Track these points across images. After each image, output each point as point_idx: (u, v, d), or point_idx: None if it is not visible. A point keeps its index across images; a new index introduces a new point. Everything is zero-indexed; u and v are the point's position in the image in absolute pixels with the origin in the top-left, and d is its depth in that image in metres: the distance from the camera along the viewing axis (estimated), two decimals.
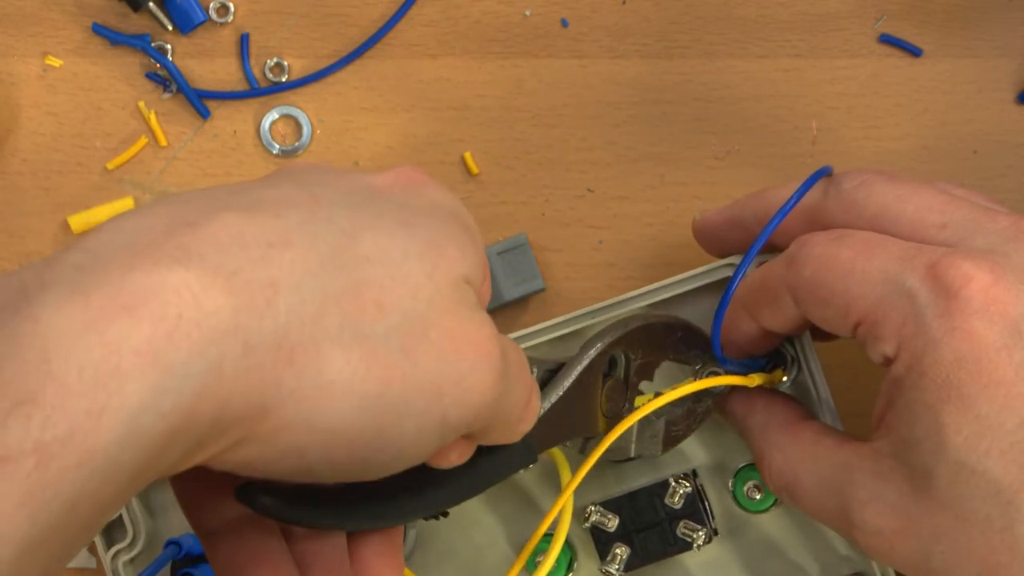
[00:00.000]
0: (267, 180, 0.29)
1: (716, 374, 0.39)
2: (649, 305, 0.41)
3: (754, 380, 0.39)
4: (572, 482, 0.37)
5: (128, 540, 0.42)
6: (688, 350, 0.40)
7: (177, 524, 0.43)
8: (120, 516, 0.42)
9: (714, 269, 0.40)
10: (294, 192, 0.28)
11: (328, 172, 0.30)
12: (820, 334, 0.38)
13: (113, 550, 0.42)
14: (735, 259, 0.40)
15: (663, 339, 0.39)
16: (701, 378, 0.39)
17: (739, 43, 0.49)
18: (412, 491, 0.32)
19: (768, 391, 0.40)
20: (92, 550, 0.46)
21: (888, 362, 0.33)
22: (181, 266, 0.24)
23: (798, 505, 0.37)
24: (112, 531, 0.43)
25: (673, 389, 0.38)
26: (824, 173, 0.38)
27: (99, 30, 0.48)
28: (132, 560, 0.42)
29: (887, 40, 0.49)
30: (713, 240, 0.41)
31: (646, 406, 0.38)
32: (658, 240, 0.48)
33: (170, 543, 0.42)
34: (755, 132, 0.49)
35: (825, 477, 0.35)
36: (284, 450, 0.26)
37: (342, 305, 0.26)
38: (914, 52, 0.49)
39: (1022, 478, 0.30)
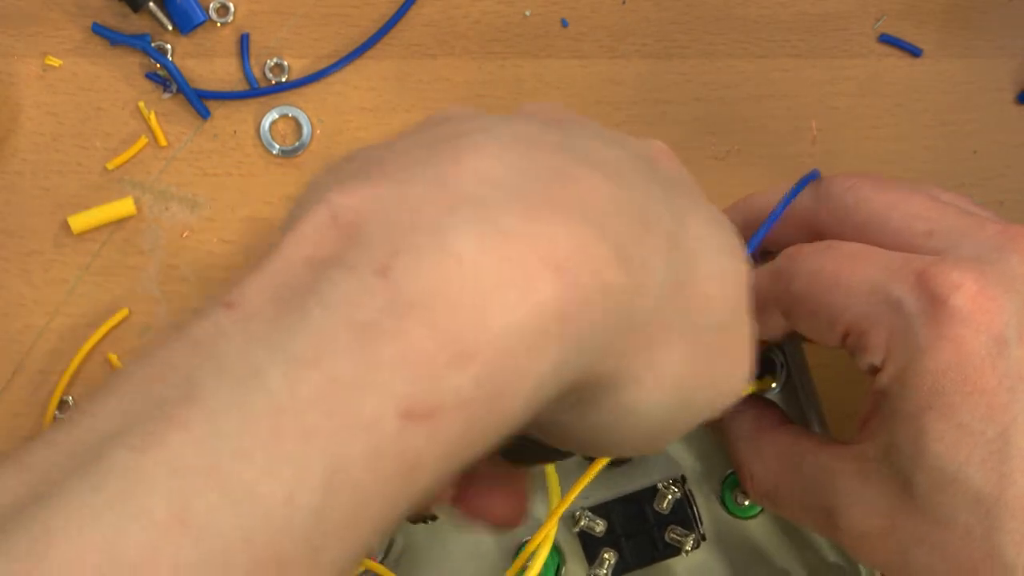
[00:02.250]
0: (576, 129, 0.27)
1: None
2: None
3: (747, 388, 0.39)
4: (573, 490, 0.37)
5: None
6: None
7: None
8: None
9: None
10: (624, 157, 0.26)
11: (605, 131, 0.28)
12: (811, 339, 0.38)
13: None
14: None
15: None
16: None
17: (739, 43, 0.49)
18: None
19: (745, 398, 0.40)
20: None
21: (875, 371, 0.33)
22: (592, 230, 0.23)
23: (781, 511, 0.37)
24: None
25: None
26: (812, 178, 0.38)
27: (99, 30, 0.48)
28: None
29: (887, 40, 0.49)
30: None
31: None
32: None
33: None
34: (755, 132, 0.49)
35: (807, 483, 0.35)
36: (599, 424, 0.26)
37: (686, 294, 0.26)
38: (914, 52, 0.49)
39: (1002, 486, 0.30)
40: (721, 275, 0.27)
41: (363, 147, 0.27)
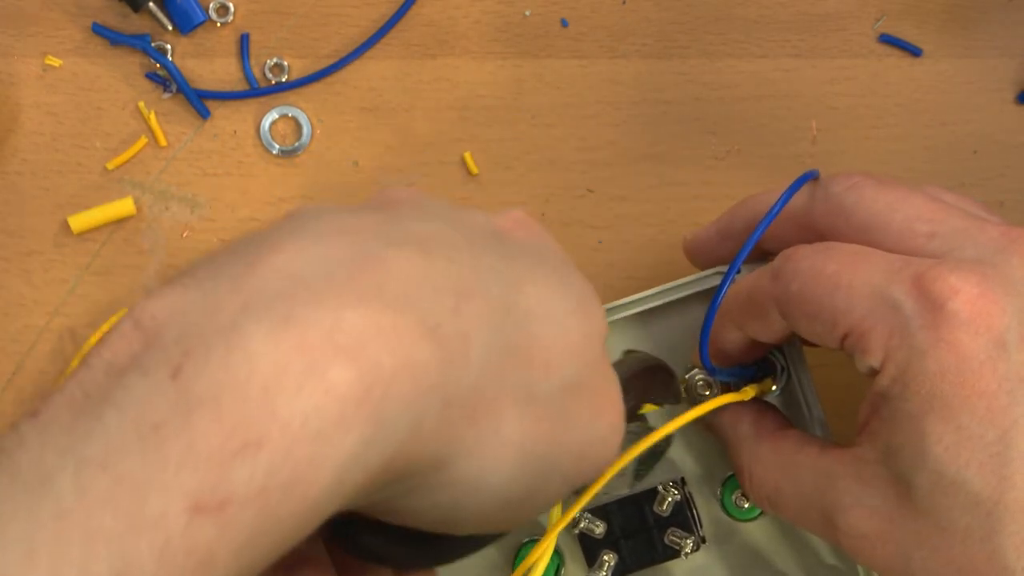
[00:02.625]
0: (405, 211, 0.27)
1: (706, 396, 0.39)
2: (640, 313, 0.40)
3: (748, 393, 0.39)
4: (573, 508, 0.36)
5: None
6: (664, 392, 0.39)
7: None
8: None
9: (704, 277, 0.40)
10: (448, 231, 0.26)
11: (447, 207, 0.29)
12: (810, 341, 0.38)
13: None
14: (725, 267, 0.40)
15: (652, 381, 0.39)
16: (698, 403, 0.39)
17: (739, 43, 0.49)
18: (473, 540, 0.31)
19: (745, 401, 0.40)
20: None
21: (874, 373, 0.33)
22: (391, 309, 0.23)
23: (781, 515, 0.37)
24: None
25: (681, 416, 0.37)
26: (810, 177, 0.37)
27: (99, 30, 0.48)
28: None
29: (887, 40, 0.49)
30: (706, 256, 0.41)
31: (665, 427, 0.37)
32: (658, 240, 0.48)
33: None
34: (755, 132, 0.49)
35: (807, 486, 0.35)
36: (441, 503, 0.26)
37: (518, 361, 0.26)
38: (914, 52, 0.49)
39: (1001, 489, 0.30)
40: (563, 338, 0.27)
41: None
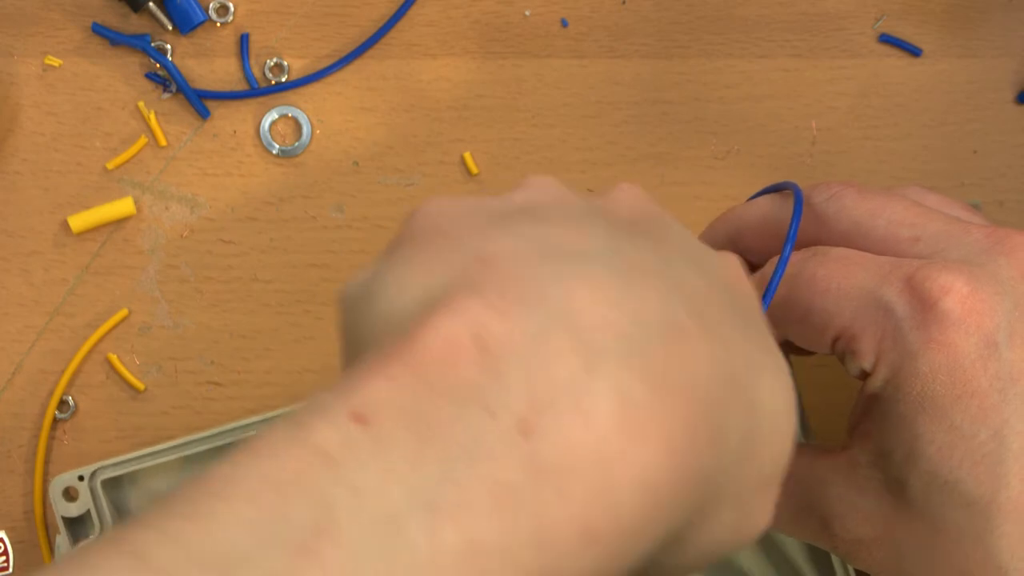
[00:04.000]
0: (654, 239, 0.26)
1: None
2: None
3: None
4: None
5: (95, 536, 0.43)
6: None
7: None
8: (88, 513, 0.43)
9: None
10: (704, 289, 0.24)
11: (673, 231, 0.27)
12: (796, 348, 0.38)
13: (80, 546, 0.42)
14: None
15: None
16: None
17: (739, 43, 0.49)
18: None
19: None
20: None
21: (865, 375, 0.33)
22: (692, 403, 0.22)
23: (775, 527, 0.37)
24: (77, 528, 0.43)
25: None
26: (785, 187, 0.37)
27: (99, 30, 0.48)
28: None
29: (887, 40, 0.49)
30: None
31: None
32: None
33: None
34: (755, 132, 0.49)
35: (801, 497, 0.35)
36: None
37: (743, 460, 0.24)
38: (914, 52, 0.49)
39: (994, 489, 0.30)
40: (779, 439, 0.26)
41: (454, 204, 0.26)
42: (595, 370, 0.21)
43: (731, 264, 0.28)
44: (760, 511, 0.27)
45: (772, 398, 0.25)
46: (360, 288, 0.25)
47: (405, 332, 0.21)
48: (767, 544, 0.42)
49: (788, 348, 0.39)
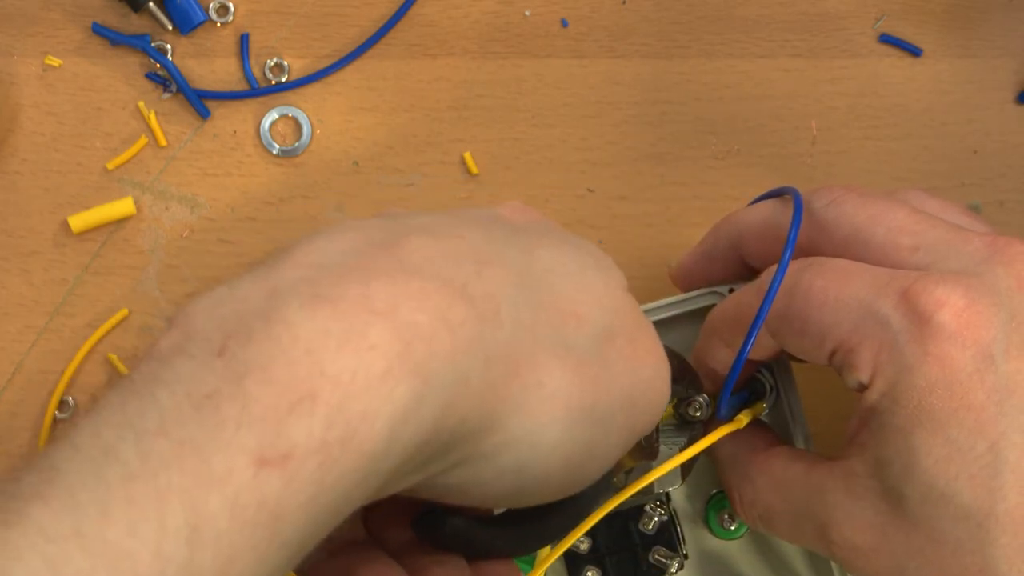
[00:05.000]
0: (406, 213, 0.29)
1: (698, 417, 0.38)
2: None
3: (742, 421, 0.38)
4: (563, 543, 0.36)
5: None
6: (679, 383, 0.39)
7: None
8: None
9: (696, 297, 0.40)
10: (452, 219, 0.27)
11: (446, 211, 0.30)
12: (796, 356, 0.38)
13: None
14: (720, 288, 0.39)
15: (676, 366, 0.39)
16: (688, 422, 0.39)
17: (739, 43, 0.49)
18: (554, 511, 0.31)
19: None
20: None
21: (863, 388, 0.33)
22: (417, 277, 0.24)
23: (774, 532, 0.37)
24: None
25: (682, 452, 0.37)
26: (786, 192, 0.37)
27: (99, 30, 0.48)
28: None
29: (887, 40, 0.49)
30: (693, 279, 0.41)
31: (667, 463, 0.37)
32: (658, 240, 0.48)
33: None
34: (755, 132, 0.49)
35: (799, 502, 0.35)
36: (503, 469, 0.26)
37: (548, 316, 0.26)
38: (914, 52, 0.49)
39: (992, 501, 0.30)
40: (587, 289, 0.28)
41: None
42: (279, 292, 0.23)
43: (507, 205, 0.31)
44: (619, 361, 0.28)
45: (558, 264, 0.28)
46: None
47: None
48: (767, 550, 0.42)
49: (786, 358, 0.39)
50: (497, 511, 0.31)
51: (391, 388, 0.22)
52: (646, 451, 0.37)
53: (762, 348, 0.36)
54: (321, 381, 0.22)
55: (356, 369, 0.22)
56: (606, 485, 0.31)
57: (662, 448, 0.38)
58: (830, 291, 0.33)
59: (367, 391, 0.22)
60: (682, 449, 0.39)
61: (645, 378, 0.29)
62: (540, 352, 0.26)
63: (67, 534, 0.19)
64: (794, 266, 0.34)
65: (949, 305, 0.31)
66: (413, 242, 0.25)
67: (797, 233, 0.35)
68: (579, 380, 0.26)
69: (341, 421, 0.22)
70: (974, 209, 0.48)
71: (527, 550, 0.31)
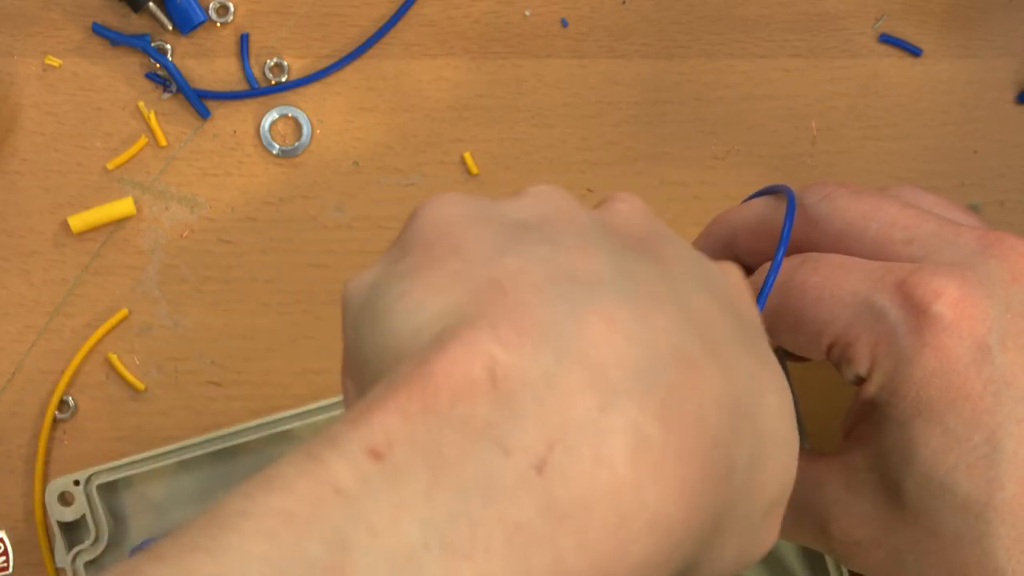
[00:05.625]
0: (659, 259, 0.26)
1: None
2: None
3: None
4: None
5: (91, 541, 0.43)
6: None
7: (137, 529, 0.44)
8: (83, 517, 0.43)
9: None
10: (712, 312, 0.24)
11: (678, 249, 0.27)
12: (792, 354, 0.38)
13: (75, 551, 0.42)
14: None
15: None
16: None
17: (739, 43, 0.49)
18: None
19: None
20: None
21: (860, 381, 0.33)
22: (704, 440, 0.22)
23: None
24: (73, 532, 0.43)
25: None
26: (779, 190, 0.37)
27: (99, 30, 0.48)
28: (93, 561, 0.43)
29: (887, 40, 0.49)
30: None
31: None
32: None
33: (143, 544, 0.42)
34: (755, 132, 0.49)
35: (797, 500, 0.35)
36: None
37: (749, 487, 0.24)
38: (914, 52, 0.49)
39: (989, 492, 0.30)
40: (784, 461, 0.26)
41: (458, 210, 0.25)
42: (610, 408, 0.21)
43: (733, 277, 0.28)
44: (767, 533, 0.27)
45: (774, 420, 0.26)
46: (366, 292, 0.25)
47: (418, 362, 0.21)
48: None
49: (783, 355, 0.39)
50: None
51: (663, 572, 0.21)
52: None
53: None
54: (620, 559, 0.20)
55: (651, 551, 0.21)
56: None
57: None
58: (825, 286, 0.33)
59: (647, 573, 0.21)
60: None
61: (767, 549, 0.28)
62: (733, 526, 0.25)
63: None
64: (788, 263, 0.34)
65: (945, 296, 0.31)
66: (707, 373, 0.22)
67: (791, 230, 0.35)
68: (739, 556, 0.26)
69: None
70: (974, 209, 0.48)
71: None
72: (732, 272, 0.28)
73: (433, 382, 0.21)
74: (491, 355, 0.21)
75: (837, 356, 0.33)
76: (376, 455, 0.20)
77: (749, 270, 0.36)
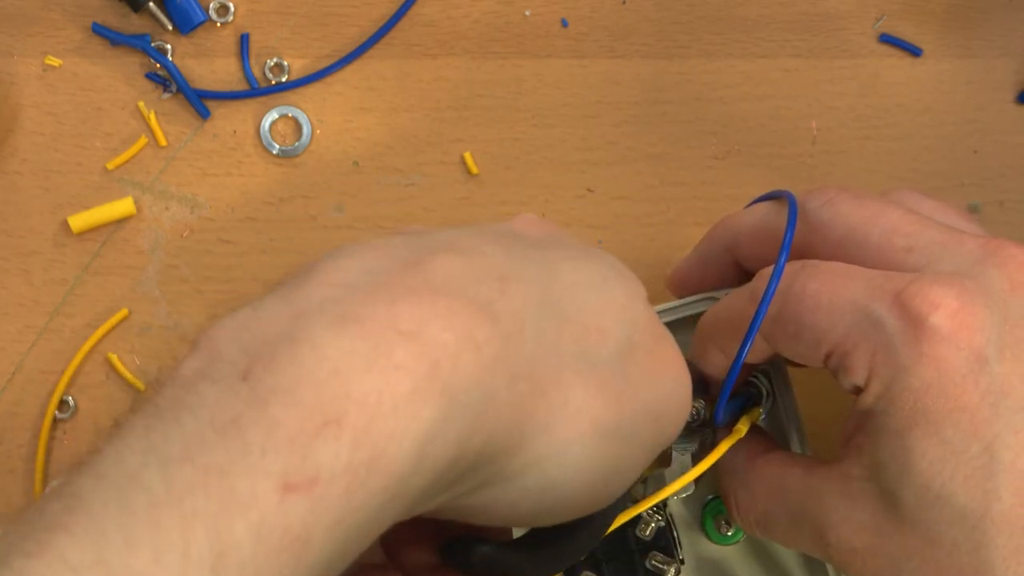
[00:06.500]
0: (425, 234, 0.28)
1: (691, 425, 0.38)
2: None
3: (741, 431, 0.38)
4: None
5: None
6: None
7: None
8: None
9: (692, 303, 0.39)
10: (472, 236, 0.27)
11: (464, 227, 0.30)
12: (792, 361, 0.38)
13: None
14: (716, 293, 0.39)
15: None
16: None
17: (739, 43, 0.49)
18: (577, 528, 0.30)
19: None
20: None
21: (858, 391, 0.33)
22: (441, 295, 0.24)
23: (771, 538, 0.37)
24: None
25: (692, 470, 0.37)
26: (780, 196, 0.37)
27: (99, 30, 0.48)
28: None
29: (887, 40, 0.49)
30: (690, 285, 0.41)
31: (676, 483, 0.37)
32: (658, 240, 0.48)
33: None
34: (755, 132, 0.49)
35: (795, 507, 0.35)
36: (529, 488, 0.26)
37: (571, 331, 0.26)
38: (914, 52, 0.49)
39: (987, 502, 0.30)
40: (609, 302, 0.28)
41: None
42: (305, 314, 0.23)
43: (520, 219, 0.31)
44: (642, 375, 0.28)
45: (580, 278, 0.28)
46: None
47: None
48: (764, 555, 0.42)
49: (783, 360, 0.39)
50: (517, 531, 0.31)
51: (418, 408, 0.22)
52: (661, 460, 0.37)
53: (756, 352, 0.36)
54: (347, 403, 0.22)
55: (383, 390, 0.22)
56: (625, 497, 0.31)
57: (674, 455, 0.38)
58: (824, 294, 0.33)
59: (394, 412, 0.22)
60: (694, 454, 0.39)
61: (668, 390, 0.29)
62: (564, 369, 0.26)
63: (91, 563, 0.19)
64: (788, 269, 0.34)
65: (943, 307, 0.31)
66: (438, 260, 0.25)
67: (792, 236, 0.35)
68: (603, 396, 0.26)
69: (368, 443, 0.22)
70: (973, 209, 0.48)
71: (553, 571, 0.31)
72: (519, 216, 0.31)
73: (162, 384, 0.23)
74: (208, 336, 0.24)
75: (835, 365, 0.33)
76: (109, 434, 0.22)
77: (750, 275, 0.36)
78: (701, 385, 0.38)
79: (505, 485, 0.25)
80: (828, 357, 0.33)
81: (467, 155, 0.48)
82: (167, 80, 0.48)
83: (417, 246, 0.26)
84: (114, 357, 0.47)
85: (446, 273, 0.25)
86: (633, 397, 0.27)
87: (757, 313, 0.34)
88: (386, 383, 0.22)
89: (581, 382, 0.26)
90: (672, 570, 0.40)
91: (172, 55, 0.49)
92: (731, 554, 0.42)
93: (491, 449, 0.24)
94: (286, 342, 0.22)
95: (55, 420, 0.47)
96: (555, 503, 0.27)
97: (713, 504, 0.41)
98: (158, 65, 0.48)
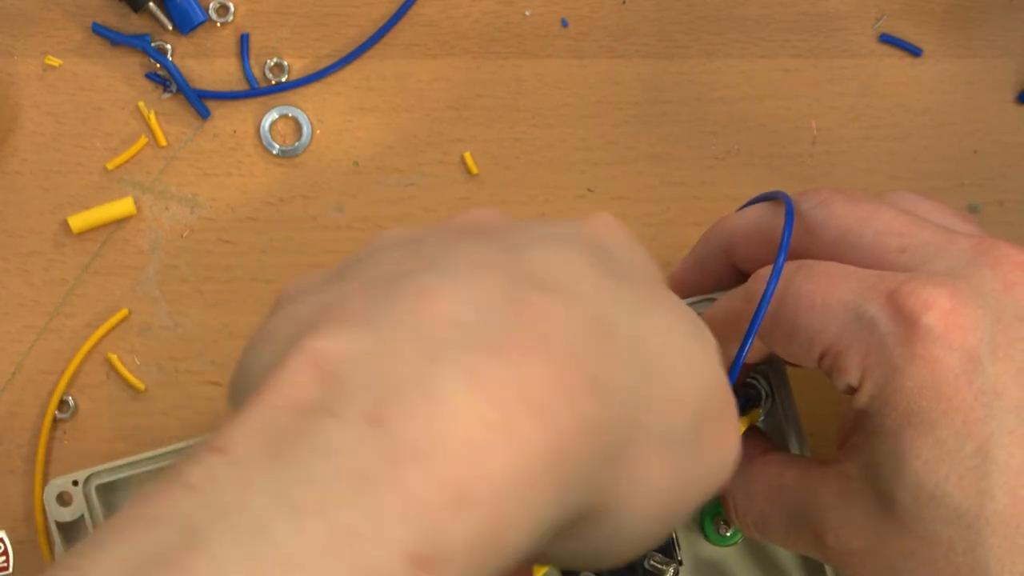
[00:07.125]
0: (515, 238, 0.27)
1: None
2: None
3: (740, 431, 0.38)
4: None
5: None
6: None
7: None
8: (82, 518, 0.42)
9: (690, 305, 0.39)
10: (566, 255, 0.26)
11: (540, 224, 0.28)
12: (789, 361, 0.38)
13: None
14: (713, 296, 0.39)
15: None
16: None
17: (739, 43, 0.49)
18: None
19: None
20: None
21: (852, 391, 0.33)
22: (560, 362, 0.23)
23: (770, 538, 0.37)
24: (72, 532, 0.43)
25: None
26: (776, 196, 0.37)
27: (99, 30, 0.48)
28: None
29: (887, 40, 0.49)
30: (686, 289, 0.40)
31: None
32: (658, 240, 0.48)
33: None
34: (755, 132, 0.49)
35: (793, 509, 0.35)
36: (590, 548, 0.26)
37: (653, 402, 0.25)
38: (914, 52, 0.49)
39: (981, 502, 0.30)
40: (691, 366, 0.27)
41: (309, 276, 0.28)
42: (438, 357, 0.22)
43: (601, 223, 0.29)
44: (711, 447, 0.28)
45: (666, 331, 0.26)
46: (233, 375, 0.27)
47: (259, 382, 0.23)
48: (762, 556, 0.42)
49: (781, 361, 0.39)
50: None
51: (542, 494, 0.22)
52: None
53: (753, 352, 0.36)
54: (479, 481, 0.21)
55: (510, 472, 0.21)
56: None
57: None
58: (818, 295, 0.33)
59: (517, 494, 0.22)
60: None
61: (724, 462, 0.29)
62: (647, 446, 0.25)
63: None
64: (784, 269, 0.34)
65: (936, 307, 0.31)
66: (545, 305, 0.24)
67: (790, 237, 0.35)
68: (676, 477, 0.26)
69: (492, 526, 0.21)
70: (973, 209, 0.48)
71: None
72: (602, 218, 0.29)
73: (266, 388, 0.22)
74: (316, 350, 0.22)
75: (828, 365, 0.33)
76: (219, 451, 0.21)
77: (746, 277, 0.36)
78: None
79: (570, 543, 0.26)
80: (822, 357, 0.33)
81: (467, 155, 0.48)
82: (167, 80, 0.48)
83: (515, 271, 0.25)
84: (114, 357, 0.47)
85: (554, 326, 0.23)
86: (694, 475, 0.27)
87: (757, 313, 0.34)
88: (516, 462, 0.21)
89: (658, 464, 0.26)
90: (671, 571, 0.40)
91: (172, 55, 0.49)
92: (730, 555, 0.42)
93: (581, 521, 0.24)
94: (423, 394, 0.21)
95: (55, 420, 0.47)
96: (606, 557, 0.27)
97: (712, 505, 0.41)
98: (158, 65, 0.48)
